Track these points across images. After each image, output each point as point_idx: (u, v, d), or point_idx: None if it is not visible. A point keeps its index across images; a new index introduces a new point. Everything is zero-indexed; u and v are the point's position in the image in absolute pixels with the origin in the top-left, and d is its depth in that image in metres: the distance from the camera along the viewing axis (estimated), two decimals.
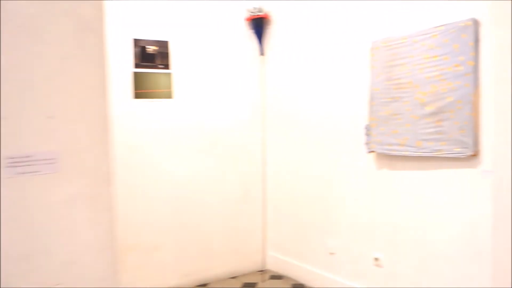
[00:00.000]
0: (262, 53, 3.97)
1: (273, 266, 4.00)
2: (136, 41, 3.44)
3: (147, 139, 3.47)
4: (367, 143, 2.93)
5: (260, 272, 4.00)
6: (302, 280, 3.66)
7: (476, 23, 2.33)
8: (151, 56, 3.53)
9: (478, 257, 2.38)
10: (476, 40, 2.33)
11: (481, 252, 2.35)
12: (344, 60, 3.17)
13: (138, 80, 3.45)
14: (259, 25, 3.93)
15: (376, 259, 2.98)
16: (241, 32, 3.93)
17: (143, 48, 3.48)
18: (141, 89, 3.47)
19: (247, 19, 3.91)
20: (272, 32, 3.92)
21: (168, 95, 3.60)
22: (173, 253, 3.62)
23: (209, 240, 3.79)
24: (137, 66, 3.45)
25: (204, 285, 3.71)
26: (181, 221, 3.65)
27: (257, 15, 3.87)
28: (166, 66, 3.59)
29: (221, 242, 3.85)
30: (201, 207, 3.75)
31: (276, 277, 3.87)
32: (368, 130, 2.91)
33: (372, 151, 2.90)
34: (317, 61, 3.42)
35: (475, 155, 2.35)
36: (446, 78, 2.44)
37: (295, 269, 3.74)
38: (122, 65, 3.37)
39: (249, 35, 3.96)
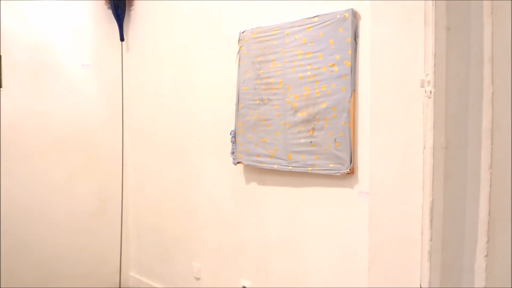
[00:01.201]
0: (122, 39, 3.33)
1: None
2: None
3: None
4: (233, 153, 2.46)
5: None
6: None
7: (355, 16, 1.95)
8: None
9: None
10: (355, 36, 1.95)
11: (359, 284, 2.00)
12: (213, 53, 2.66)
13: None
14: (119, 5, 3.27)
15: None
16: (97, 12, 3.25)
17: None
18: None
19: None
20: (134, 15, 3.29)
21: None
22: (2, 281, 2.88)
23: (53, 263, 3.09)
24: None
25: None
26: (16, 242, 2.92)
27: None
28: None
29: (69, 263, 3.16)
30: (44, 222, 3.04)
31: None
32: (235, 137, 2.44)
33: (240, 162, 2.44)
34: (184, 52, 2.87)
35: (351, 173, 1.98)
36: (320, 79, 2.04)
37: None
38: None
39: (107, 16, 3.29)
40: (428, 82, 1.58)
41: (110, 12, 3.28)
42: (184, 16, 2.85)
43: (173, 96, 2.96)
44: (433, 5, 1.56)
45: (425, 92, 1.59)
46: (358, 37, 1.95)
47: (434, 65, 1.57)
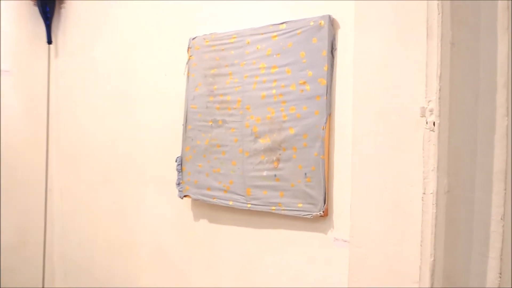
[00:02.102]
0: (50, 41, 2.82)
1: None
2: None
3: None
4: (179, 184, 2.03)
5: None
6: None
7: (332, 24, 1.60)
8: None
9: None
10: (332, 49, 1.59)
11: None
12: (157, 62, 2.23)
13: None
14: (47, 2, 2.77)
15: None
16: (21, 9, 2.73)
17: None
18: None
19: None
20: (65, 14, 2.80)
21: None
22: None
23: None
24: None
25: None
26: None
27: None
28: None
29: None
30: None
31: None
32: (181, 165, 2.02)
33: (187, 196, 2.01)
34: (123, 60, 2.42)
35: (325, 215, 1.61)
36: (288, 100, 1.67)
37: None
38: None
39: (33, 14, 2.78)
40: (431, 110, 1.25)
41: (36, 10, 2.78)
42: (124, 18, 2.40)
43: (109, 112, 2.49)
44: (439, 12, 1.23)
45: (427, 123, 1.25)
46: (335, 49, 1.60)
47: (440, 90, 1.23)
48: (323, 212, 1.60)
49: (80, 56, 2.68)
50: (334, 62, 1.60)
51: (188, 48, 2.01)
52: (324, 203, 1.60)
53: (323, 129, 1.59)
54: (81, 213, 2.68)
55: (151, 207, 2.26)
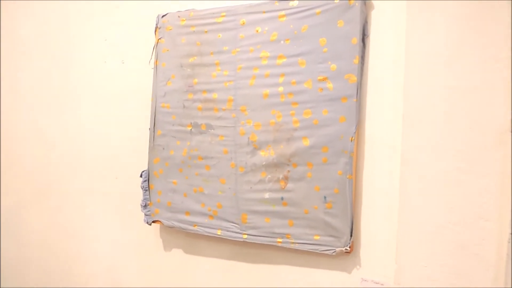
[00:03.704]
0: None
1: None
2: None
3: None
4: (145, 206, 1.57)
5: None
6: None
7: (365, 3, 1.22)
8: None
9: None
10: (364, 35, 1.22)
11: None
12: (111, 46, 1.75)
13: None
14: None
15: None
16: None
17: None
18: None
19: None
20: None
21: None
22: None
23: None
24: None
25: None
26: None
27: None
28: None
29: None
30: None
31: None
32: (148, 181, 1.56)
33: (157, 221, 1.56)
34: (62, 42, 1.90)
35: (350, 251, 1.25)
36: (301, 101, 1.28)
37: None
38: None
39: None
40: None
41: None
42: None
43: (42, 108, 1.95)
44: None
45: None
46: (367, 36, 1.23)
47: None
48: (349, 247, 1.24)
49: (1, 34, 2.10)
50: (366, 53, 1.23)
51: (156, 28, 1.55)
52: (351, 235, 1.24)
53: (351, 140, 1.22)
54: (7, 237, 2.11)
55: (104, 232, 1.77)
